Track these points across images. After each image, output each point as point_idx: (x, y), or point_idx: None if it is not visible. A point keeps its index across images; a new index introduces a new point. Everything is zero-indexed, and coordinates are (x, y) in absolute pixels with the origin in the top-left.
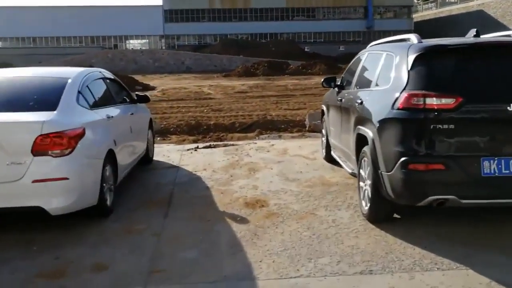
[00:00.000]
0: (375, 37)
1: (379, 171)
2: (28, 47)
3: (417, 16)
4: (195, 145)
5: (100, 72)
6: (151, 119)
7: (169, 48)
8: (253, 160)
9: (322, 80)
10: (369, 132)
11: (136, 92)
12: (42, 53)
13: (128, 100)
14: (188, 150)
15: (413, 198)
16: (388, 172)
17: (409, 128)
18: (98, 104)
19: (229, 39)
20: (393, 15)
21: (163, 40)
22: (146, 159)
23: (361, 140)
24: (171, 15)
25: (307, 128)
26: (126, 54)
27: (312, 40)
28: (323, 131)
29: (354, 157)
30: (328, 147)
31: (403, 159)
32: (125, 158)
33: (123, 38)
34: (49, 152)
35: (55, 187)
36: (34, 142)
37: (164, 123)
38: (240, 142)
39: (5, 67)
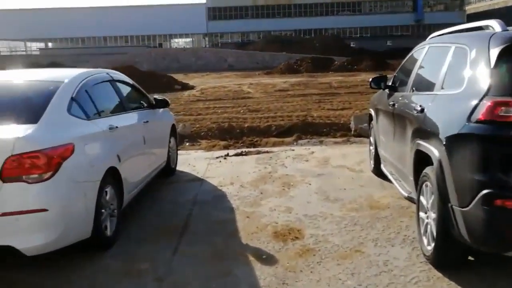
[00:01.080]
0: (425, 31)
1: (449, 205)
2: (76, 47)
3: (470, 8)
4: (225, 152)
5: (107, 74)
6: (173, 126)
7: (213, 46)
8: (289, 172)
9: (370, 80)
10: (434, 151)
11: (155, 96)
12: (90, 53)
13: (144, 105)
14: (216, 158)
15: (499, 246)
16: (462, 207)
17: (494, 148)
18: (99, 112)
19: (272, 35)
20: (443, 8)
21: (206, 38)
22: (167, 170)
23: (421, 159)
24: (214, 12)
25: (352, 132)
26: (169, 53)
27: (358, 35)
28: (371, 139)
29: (411, 178)
30: (377, 159)
31: (485, 192)
32: (135, 174)
33: (167, 37)
34: (23, 177)
35: (31, 221)
36: (3, 165)
37: (197, 125)
38: (275, 149)
39: (53, 67)
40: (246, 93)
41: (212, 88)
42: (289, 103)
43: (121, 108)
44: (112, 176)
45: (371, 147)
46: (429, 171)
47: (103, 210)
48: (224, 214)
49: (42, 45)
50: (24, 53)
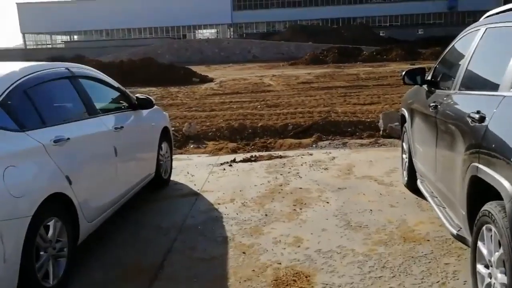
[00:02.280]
0: (459, 18)
1: None
2: (100, 39)
3: None
4: (231, 156)
5: (66, 69)
6: (166, 128)
7: (238, 36)
8: (303, 185)
9: (403, 73)
10: (504, 183)
11: (137, 95)
12: (114, 45)
13: (122, 107)
14: (221, 165)
15: None
16: None
17: None
18: (44, 120)
19: (298, 25)
20: None
21: (231, 29)
22: (158, 182)
23: (480, 188)
24: (239, 2)
25: (381, 133)
26: (192, 44)
27: (387, 24)
28: (404, 145)
29: (463, 213)
30: (412, 171)
31: None
32: (100, 197)
33: (192, 28)
34: None
35: None
36: None
37: (207, 123)
38: (290, 153)
39: (77, 60)
40: (267, 86)
41: (231, 81)
42: (312, 97)
43: (83, 112)
44: (59, 205)
45: (404, 155)
46: (493, 209)
47: (41, 253)
48: (213, 248)
49: (67, 38)
50: (49, 46)
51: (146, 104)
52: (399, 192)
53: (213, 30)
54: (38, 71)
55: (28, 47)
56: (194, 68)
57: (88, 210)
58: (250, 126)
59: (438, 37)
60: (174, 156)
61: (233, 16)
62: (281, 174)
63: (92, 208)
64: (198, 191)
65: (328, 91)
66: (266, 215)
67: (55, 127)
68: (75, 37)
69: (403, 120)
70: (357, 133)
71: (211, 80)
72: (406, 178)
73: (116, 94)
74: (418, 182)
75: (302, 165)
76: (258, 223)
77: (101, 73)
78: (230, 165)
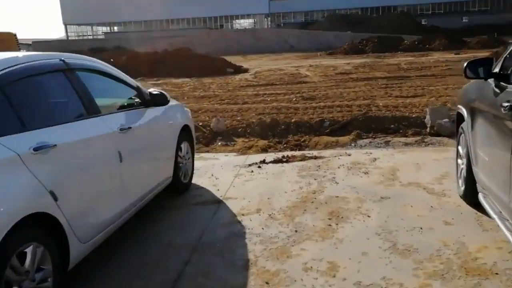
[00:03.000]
0: (506, 5)
1: None
2: (139, 30)
3: None
4: (261, 156)
5: (61, 60)
6: (186, 127)
7: (276, 27)
8: (340, 192)
9: (465, 64)
10: None
11: (150, 90)
12: (153, 36)
13: (132, 103)
14: (249, 166)
15: None
16: None
17: None
18: (25, 123)
19: (337, 14)
20: None
21: (268, 18)
22: (177, 187)
23: None
24: None
25: (428, 130)
26: (228, 35)
27: (429, 12)
28: (460, 149)
29: None
30: (470, 181)
31: None
32: (98, 213)
33: (229, 18)
34: None
35: None
36: None
37: (238, 118)
38: (326, 153)
39: (117, 50)
40: (303, 77)
41: (267, 71)
42: (351, 88)
43: (79, 111)
44: (40, 227)
45: (460, 161)
46: None
47: None
48: (231, 274)
49: (107, 29)
50: (90, 37)
51: (160, 100)
52: (454, 204)
53: (251, 20)
54: (21, 64)
55: (70, 38)
56: (230, 58)
57: (82, 229)
58: (283, 121)
59: (484, 25)
60: (199, 155)
61: (271, 6)
62: (315, 179)
63: (88, 226)
64: (221, 198)
65: (368, 82)
66: (296, 231)
67: (38, 131)
68: (115, 28)
69: (459, 119)
70: (401, 130)
71: (245, 70)
72: (462, 188)
73: (124, 89)
74: (480, 196)
75: (339, 167)
76: (286, 242)
77: (107, 64)
78: (259, 167)
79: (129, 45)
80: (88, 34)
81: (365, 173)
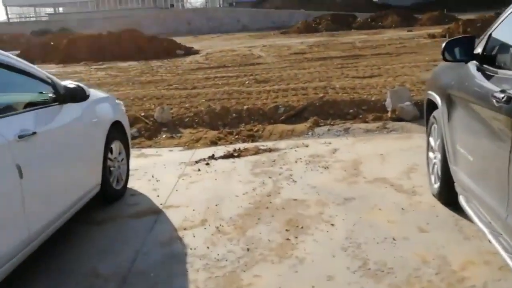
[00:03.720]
0: None
1: None
2: (85, 11)
3: None
4: (210, 150)
5: None
6: (117, 123)
7: (228, 5)
8: (298, 195)
9: (444, 45)
10: None
11: (65, 82)
12: (100, 17)
13: (44, 101)
14: (196, 163)
15: None
16: None
17: None
18: None
19: None
20: None
21: None
22: (108, 195)
23: None
24: None
25: (389, 115)
26: (178, 14)
27: None
28: (432, 141)
29: None
30: (446, 179)
31: None
32: None
33: None
34: None
35: None
36: None
37: (187, 105)
38: (281, 144)
39: (61, 33)
40: (257, 58)
41: (218, 53)
42: (306, 69)
43: None
44: None
45: (432, 154)
46: None
47: None
48: None
49: (51, 10)
50: (34, 19)
51: (77, 94)
52: (427, 205)
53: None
54: None
55: (11, 21)
56: (181, 39)
57: None
58: (234, 109)
59: (433, 1)
60: (139, 151)
61: None
62: (270, 177)
63: None
64: (160, 206)
65: (323, 62)
66: (248, 249)
67: None
68: (61, 9)
69: (430, 106)
70: (361, 115)
71: (196, 52)
72: (436, 187)
73: (32, 84)
74: (462, 199)
75: (296, 162)
76: (236, 266)
77: (6, 54)
78: (207, 164)
79: (75, 27)
80: (31, 16)
81: (325, 168)
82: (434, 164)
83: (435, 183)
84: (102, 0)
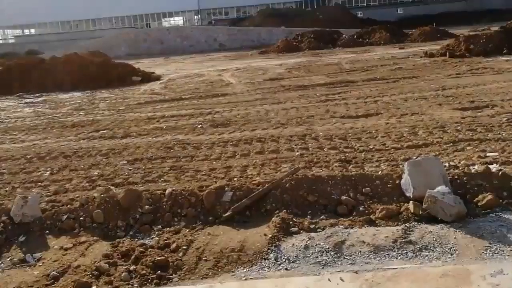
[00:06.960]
0: None
1: None
2: (54, 32)
3: None
4: None
5: None
6: None
7: (207, 24)
8: None
9: None
10: None
11: None
12: (70, 38)
13: None
14: None
15: None
16: None
17: None
18: None
19: (269, 9)
20: None
21: (199, 16)
22: None
23: None
24: None
25: (411, 208)
26: (151, 34)
27: (364, 4)
28: None
29: None
30: None
31: None
32: None
33: (156, 17)
34: None
35: None
36: None
37: (96, 172)
38: None
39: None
40: (224, 85)
41: (183, 78)
42: (281, 104)
43: None
44: None
45: None
46: None
47: None
48: None
49: (19, 32)
50: (0, 41)
51: None
52: None
53: (179, 18)
54: None
55: None
56: (149, 61)
57: None
58: (150, 194)
59: (420, 16)
60: None
61: (200, 2)
62: None
63: None
64: None
65: (304, 92)
66: None
67: None
68: (32, 30)
69: None
70: (362, 207)
71: (157, 78)
72: None
73: None
74: None
75: None
76: None
77: None
78: None
79: (42, 49)
80: None
81: None
82: None
83: None
84: (75, 20)
